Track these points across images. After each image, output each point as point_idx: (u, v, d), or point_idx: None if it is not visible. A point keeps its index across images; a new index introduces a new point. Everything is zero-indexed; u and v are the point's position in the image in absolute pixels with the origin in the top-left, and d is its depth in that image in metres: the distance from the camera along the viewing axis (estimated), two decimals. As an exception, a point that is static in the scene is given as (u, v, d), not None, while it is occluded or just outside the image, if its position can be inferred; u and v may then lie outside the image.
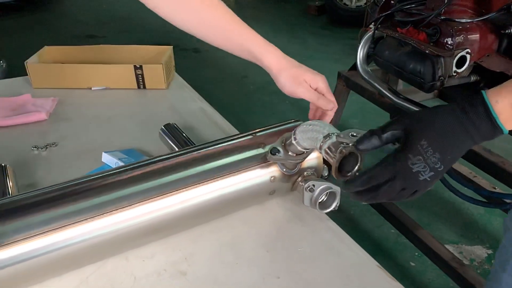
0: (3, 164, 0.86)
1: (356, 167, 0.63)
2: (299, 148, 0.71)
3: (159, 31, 4.48)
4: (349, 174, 0.62)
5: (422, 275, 1.74)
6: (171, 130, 0.96)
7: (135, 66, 1.28)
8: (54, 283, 0.66)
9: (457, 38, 1.24)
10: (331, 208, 0.76)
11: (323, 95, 0.79)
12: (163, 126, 0.97)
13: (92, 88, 1.32)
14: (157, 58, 1.36)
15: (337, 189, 0.75)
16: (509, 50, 1.31)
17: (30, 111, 1.16)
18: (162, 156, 0.72)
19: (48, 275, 0.64)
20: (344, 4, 4.95)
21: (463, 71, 1.29)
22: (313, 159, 0.78)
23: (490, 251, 1.84)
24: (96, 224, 0.61)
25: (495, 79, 1.34)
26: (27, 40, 4.40)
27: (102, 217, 0.62)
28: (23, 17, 5.25)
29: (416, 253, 1.81)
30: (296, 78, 0.77)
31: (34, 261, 0.59)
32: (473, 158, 1.40)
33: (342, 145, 0.61)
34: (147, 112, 1.22)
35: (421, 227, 1.70)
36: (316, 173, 0.80)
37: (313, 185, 0.74)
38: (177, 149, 0.90)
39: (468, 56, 1.27)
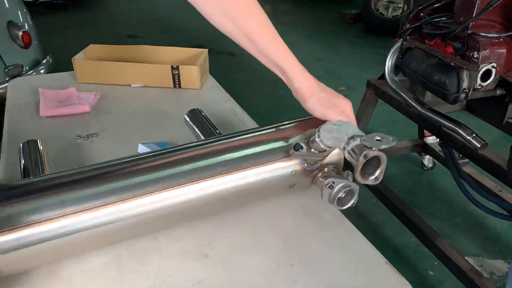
0: (36, 139, 0.92)
1: (379, 171, 0.64)
2: (322, 146, 0.72)
3: (196, 33, 4.62)
4: (371, 177, 0.64)
5: (440, 284, 1.75)
6: (197, 116, 1.01)
7: (172, 66, 1.37)
8: (90, 257, 0.74)
9: (483, 52, 1.27)
10: (349, 205, 0.77)
11: None
12: (189, 111, 1.02)
13: (132, 85, 1.41)
14: (192, 60, 1.45)
15: (355, 187, 0.75)
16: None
17: (75, 104, 1.27)
18: (191, 143, 0.76)
19: (86, 250, 0.73)
20: (380, 13, 4.95)
21: (488, 84, 1.31)
22: (334, 155, 0.79)
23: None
24: (131, 205, 0.68)
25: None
26: (72, 37, 4.63)
27: (137, 198, 0.69)
28: (69, 16, 5.51)
29: (436, 263, 1.82)
30: (326, 102, 0.77)
31: (74, 236, 0.65)
32: (498, 172, 1.42)
33: (366, 148, 0.62)
34: (181, 109, 1.30)
35: (441, 237, 1.72)
36: (337, 170, 0.82)
37: (333, 182, 0.75)
38: (200, 134, 0.96)
39: (493, 70, 1.29)
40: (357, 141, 0.64)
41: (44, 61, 2.95)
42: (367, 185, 0.77)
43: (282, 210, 0.87)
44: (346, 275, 0.74)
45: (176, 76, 1.38)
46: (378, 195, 2.05)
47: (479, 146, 1.31)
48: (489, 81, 1.31)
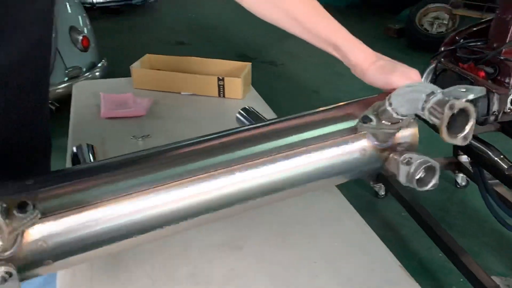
0: (91, 144, 0.87)
1: (468, 127, 0.55)
2: (394, 115, 0.62)
3: (241, 43, 4.78)
4: (459, 135, 0.55)
5: (464, 301, 1.79)
6: (249, 113, 0.95)
7: (218, 77, 1.50)
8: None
9: (515, 77, 1.33)
10: (430, 186, 0.64)
11: None
12: (241, 109, 0.95)
13: (182, 93, 1.56)
14: (237, 72, 1.58)
15: (436, 164, 0.63)
16: None
17: (131, 107, 1.42)
18: (244, 127, 0.68)
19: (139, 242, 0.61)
20: (425, 29, 4.95)
21: (518, 108, 1.37)
22: (407, 135, 0.68)
23: (539, 289, 1.84)
24: (177, 192, 0.57)
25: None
26: (125, 41, 4.90)
27: (182, 185, 0.57)
28: (121, 21, 5.82)
29: (461, 279, 1.86)
30: (387, 68, 0.70)
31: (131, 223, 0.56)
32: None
33: (450, 101, 0.53)
34: (225, 116, 1.43)
35: (467, 253, 1.75)
36: (411, 151, 0.69)
37: (410, 158, 0.63)
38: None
39: (525, 95, 1.35)
40: (439, 96, 0.54)
41: (99, 64, 3.19)
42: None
43: (309, 214, 0.98)
44: (363, 274, 0.84)
45: (221, 86, 1.51)
46: (408, 208, 2.10)
47: (506, 167, 1.37)
48: (520, 105, 1.37)
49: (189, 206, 0.58)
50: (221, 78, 1.50)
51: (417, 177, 0.63)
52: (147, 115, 1.41)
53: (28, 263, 0.51)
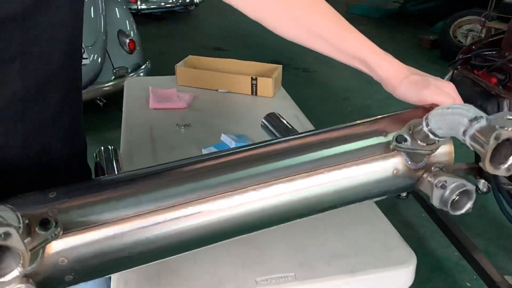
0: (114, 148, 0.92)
1: (511, 158, 0.52)
2: (431, 136, 0.59)
3: (276, 50, 4.97)
4: (502, 166, 0.54)
5: (476, 296, 1.89)
6: (275, 119, 0.95)
7: (251, 77, 1.68)
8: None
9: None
10: (465, 210, 0.63)
11: None
12: (267, 115, 0.94)
13: (219, 90, 1.75)
14: (268, 73, 1.75)
15: (471, 187, 0.62)
16: None
17: (175, 101, 1.62)
18: (272, 141, 0.64)
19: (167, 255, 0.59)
20: (459, 41, 5.00)
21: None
22: (442, 154, 0.65)
23: (551, 290, 1.91)
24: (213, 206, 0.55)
25: None
26: (166, 46, 5.19)
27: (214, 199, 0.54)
28: (164, 26, 6.14)
29: (474, 277, 1.95)
30: (420, 83, 0.66)
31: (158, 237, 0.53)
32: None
33: (496, 129, 0.50)
34: (256, 112, 1.61)
35: (480, 253, 1.85)
36: (446, 170, 0.67)
37: (445, 181, 0.61)
38: (279, 135, 0.87)
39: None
40: (483, 122, 0.52)
41: (143, 66, 3.45)
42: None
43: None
44: (365, 240, 0.99)
45: (254, 85, 1.69)
46: (427, 209, 2.21)
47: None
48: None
49: (215, 222, 0.55)
50: (254, 78, 1.68)
51: (452, 201, 0.59)
52: (188, 108, 1.61)
53: (48, 280, 0.50)
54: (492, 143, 0.48)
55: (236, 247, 0.98)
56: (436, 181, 0.60)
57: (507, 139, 0.50)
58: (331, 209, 0.63)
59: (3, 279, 0.45)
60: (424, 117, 0.57)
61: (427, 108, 0.62)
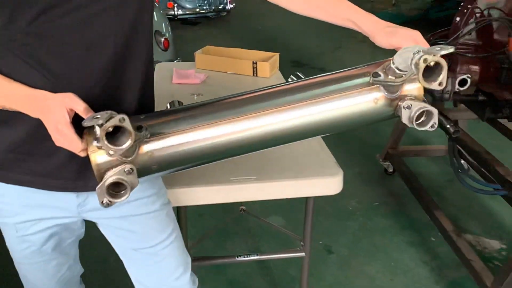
0: (181, 101, 1.67)
1: (441, 76, 0.72)
2: (397, 71, 0.79)
3: (297, 52, 5.40)
4: (434, 82, 0.72)
5: (437, 247, 2.26)
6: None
7: (253, 62, 2.15)
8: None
9: (460, 66, 1.84)
10: (428, 127, 0.81)
11: None
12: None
13: (228, 72, 2.22)
14: (267, 59, 2.21)
15: (433, 109, 0.78)
16: (507, 79, 1.84)
17: (192, 78, 2.11)
18: (290, 82, 0.97)
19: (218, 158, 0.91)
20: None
21: (465, 89, 1.85)
22: (414, 89, 0.83)
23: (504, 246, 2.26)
24: (250, 123, 0.84)
25: (497, 101, 1.88)
26: (198, 47, 5.71)
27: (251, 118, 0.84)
28: (197, 31, 6.71)
29: (439, 233, 2.31)
30: (391, 33, 0.89)
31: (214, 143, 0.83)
32: (473, 154, 1.95)
33: (424, 56, 0.70)
34: (255, 87, 2.07)
35: (444, 216, 2.17)
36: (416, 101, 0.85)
37: (411, 104, 0.80)
38: None
39: (468, 80, 1.83)
40: (420, 54, 0.72)
41: (175, 61, 3.98)
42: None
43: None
44: (309, 161, 1.42)
45: (255, 68, 2.16)
46: (406, 181, 2.58)
47: (452, 131, 1.86)
48: (465, 87, 1.85)
49: (249, 135, 0.83)
50: (255, 62, 2.15)
51: (416, 119, 0.79)
52: (202, 83, 2.09)
53: (141, 168, 0.78)
54: (422, 65, 0.70)
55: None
56: (404, 104, 0.81)
57: (437, 63, 0.71)
58: (329, 133, 0.90)
59: (122, 147, 0.71)
60: (392, 58, 0.80)
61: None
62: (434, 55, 0.71)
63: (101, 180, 0.75)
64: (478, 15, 1.90)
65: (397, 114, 0.84)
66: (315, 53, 5.36)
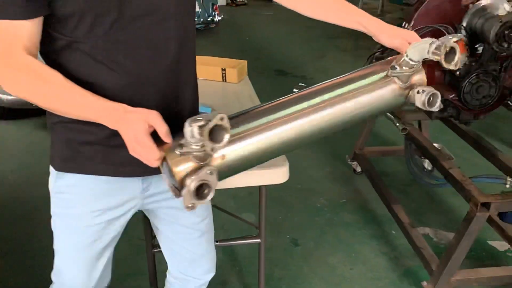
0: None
1: (456, 57, 0.93)
2: (410, 62, 0.96)
3: (282, 61, 5.60)
4: (452, 62, 0.93)
5: (398, 239, 2.42)
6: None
7: (222, 68, 2.33)
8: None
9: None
10: (437, 106, 0.97)
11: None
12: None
13: (200, 78, 2.39)
14: (235, 66, 2.39)
15: (438, 92, 0.97)
16: (449, 80, 2.01)
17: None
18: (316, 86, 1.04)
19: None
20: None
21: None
22: (418, 78, 1.01)
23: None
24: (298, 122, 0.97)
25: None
26: (186, 58, 5.89)
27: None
28: (187, 42, 6.89)
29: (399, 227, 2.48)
30: (393, 36, 1.06)
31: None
32: (423, 150, 2.12)
33: (443, 43, 0.90)
34: (224, 92, 2.24)
35: (402, 211, 2.34)
36: None
37: (423, 90, 0.97)
38: None
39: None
40: (437, 42, 0.91)
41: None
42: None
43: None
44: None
45: (224, 74, 2.33)
46: (371, 179, 2.75)
47: (401, 128, 2.04)
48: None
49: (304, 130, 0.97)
50: (223, 68, 2.33)
51: (427, 100, 0.95)
52: (174, 88, 2.26)
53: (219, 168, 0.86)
54: (443, 51, 0.90)
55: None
56: (416, 89, 0.98)
57: (451, 48, 0.92)
58: (359, 122, 1.07)
59: (222, 143, 0.79)
60: (404, 52, 0.97)
61: (400, 54, 1.03)
62: (447, 42, 0.90)
63: (182, 186, 0.81)
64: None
65: (409, 101, 1.01)
66: (299, 62, 5.56)
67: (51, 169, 1.09)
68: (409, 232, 2.20)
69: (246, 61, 2.45)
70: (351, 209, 2.71)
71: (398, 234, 2.44)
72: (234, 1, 9.04)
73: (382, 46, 2.23)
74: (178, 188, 0.83)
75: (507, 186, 1.90)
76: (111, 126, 0.90)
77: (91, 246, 1.15)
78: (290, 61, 5.72)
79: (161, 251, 1.38)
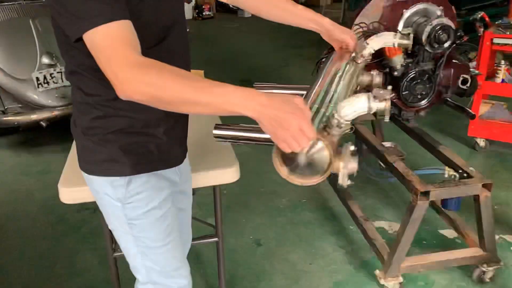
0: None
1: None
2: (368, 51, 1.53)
3: (248, 71, 5.74)
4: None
5: (355, 234, 2.54)
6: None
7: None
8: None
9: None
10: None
11: None
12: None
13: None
14: (193, 76, 2.50)
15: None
16: (391, 82, 2.16)
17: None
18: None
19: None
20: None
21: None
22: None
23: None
24: None
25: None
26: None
27: None
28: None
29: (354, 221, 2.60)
30: (344, 31, 1.33)
31: None
32: (369, 146, 2.26)
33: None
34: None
35: (357, 207, 2.47)
36: None
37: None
38: None
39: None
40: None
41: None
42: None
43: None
44: (214, 157, 1.68)
45: (181, 84, 2.44)
46: (333, 185, 2.87)
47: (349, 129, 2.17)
48: (356, 90, 2.18)
49: None
50: (181, 78, 2.43)
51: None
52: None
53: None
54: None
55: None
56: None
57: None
58: None
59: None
60: (365, 42, 1.51)
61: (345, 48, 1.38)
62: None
63: (329, 167, 1.05)
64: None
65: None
66: (264, 71, 5.71)
67: (113, 180, 1.13)
68: (362, 225, 2.32)
69: (203, 70, 2.56)
70: (311, 208, 2.82)
71: (355, 229, 2.56)
72: (201, 15, 9.18)
73: (327, 52, 2.39)
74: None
75: (446, 175, 2.04)
76: (256, 114, 0.88)
77: (175, 224, 1.29)
78: (255, 70, 5.88)
79: (122, 255, 1.40)
